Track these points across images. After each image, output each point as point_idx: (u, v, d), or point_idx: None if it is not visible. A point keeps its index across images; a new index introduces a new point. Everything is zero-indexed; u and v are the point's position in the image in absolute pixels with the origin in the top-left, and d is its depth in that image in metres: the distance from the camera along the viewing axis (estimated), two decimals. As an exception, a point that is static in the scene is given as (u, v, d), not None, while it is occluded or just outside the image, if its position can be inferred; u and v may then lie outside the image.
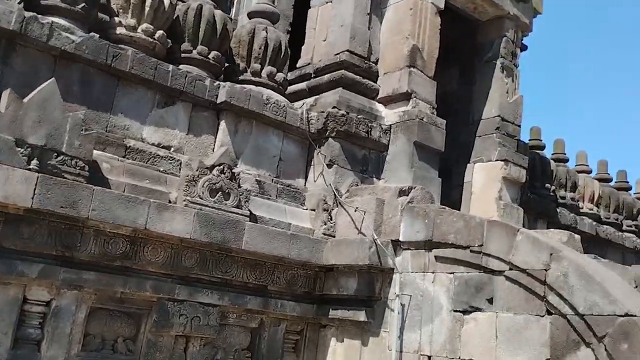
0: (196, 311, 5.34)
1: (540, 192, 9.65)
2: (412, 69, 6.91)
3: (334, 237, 6.07)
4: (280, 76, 6.71)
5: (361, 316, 5.72)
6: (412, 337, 5.39)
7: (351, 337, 5.92)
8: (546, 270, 4.56)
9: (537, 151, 10.14)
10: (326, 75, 7.05)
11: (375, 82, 7.21)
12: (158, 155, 5.60)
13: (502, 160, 7.61)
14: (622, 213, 11.51)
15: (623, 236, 11.24)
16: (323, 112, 6.55)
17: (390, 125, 6.91)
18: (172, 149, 5.84)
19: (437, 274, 5.37)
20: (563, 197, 10.23)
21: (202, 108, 6.09)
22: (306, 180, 6.70)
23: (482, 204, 7.69)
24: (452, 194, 8.09)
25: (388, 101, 7.09)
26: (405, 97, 6.91)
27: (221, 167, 5.42)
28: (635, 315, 4.05)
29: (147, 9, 5.80)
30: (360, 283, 5.78)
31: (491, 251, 4.96)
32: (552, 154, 10.74)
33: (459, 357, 5.03)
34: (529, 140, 10.40)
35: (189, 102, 5.99)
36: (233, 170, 5.54)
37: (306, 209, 6.38)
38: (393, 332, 5.49)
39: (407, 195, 5.82)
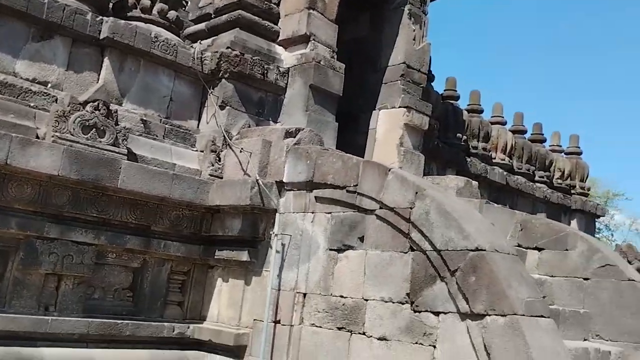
0: (68, 250, 5.23)
1: (451, 142, 9.79)
2: (311, 11, 6.79)
3: (221, 178, 6.01)
4: (172, 14, 6.50)
5: (244, 256, 5.73)
6: (290, 275, 5.43)
7: (236, 277, 5.94)
8: (411, 208, 4.62)
9: (452, 101, 10.24)
10: (224, 16, 6.87)
11: (277, 24, 7.07)
12: (30, 90, 5.37)
13: (404, 107, 7.63)
14: (534, 164, 11.81)
15: (534, 186, 11.55)
16: (217, 52, 6.40)
17: (289, 68, 6.82)
18: (50, 84, 5.61)
19: (317, 214, 5.39)
20: (475, 147, 10.40)
21: (84, 44, 5.84)
22: (199, 122, 6.57)
23: (385, 150, 7.73)
24: (359, 140, 8.11)
25: (288, 44, 6.98)
26: (304, 39, 6.80)
27: (95, 103, 5.25)
28: (484, 250, 4.16)
29: None
30: (245, 224, 5.76)
31: (364, 191, 4.99)
32: (467, 105, 10.86)
33: (331, 294, 5.11)
34: (444, 90, 10.48)
35: (69, 36, 5.73)
36: (110, 108, 5.38)
37: (196, 151, 6.29)
38: (274, 272, 5.53)
39: (295, 137, 5.78)
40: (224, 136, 6.11)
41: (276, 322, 5.42)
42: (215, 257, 5.98)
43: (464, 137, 10.06)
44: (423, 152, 8.63)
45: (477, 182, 7.62)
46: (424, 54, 8.04)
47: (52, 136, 5.01)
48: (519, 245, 6.63)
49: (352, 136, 8.20)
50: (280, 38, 7.02)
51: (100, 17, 5.87)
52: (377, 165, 4.96)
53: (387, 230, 4.80)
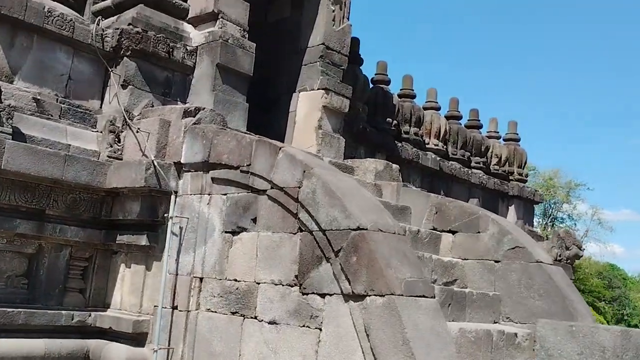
0: (-53, 234, 4.96)
1: (380, 126, 9.69)
2: (220, -13, 6.56)
3: (121, 160, 5.77)
4: (71, -13, 6.21)
5: (143, 240, 5.51)
6: (187, 259, 5.25)
7: (137, 263, 5.72)
8: (299, 187, 4.48)
9: (382, 85, 10.14)
10: (130, -8, 6.59)
11: (186, 1, 6.83)
12: None
13: (322, 89, 7.48)
14: (470, 150, 11.81)
15: (470, 172, 11.56)
16: (118, 29, 6.13)
17: (197, 46, 6.59)
18: None
19: (213, 195, 5.21)
20: (407, 132, 10.33)
21: (-30, 18, 5.54)
22: (102, 102, 6.30)
23: (304, 133, 7.58)
24: (280, 124, 7.94)
25: (197, 22, 6.75)
26: (213, 17, 6.58)
27: (-26, 79, 4.96)
28: (365, 229, 4.04)
29: None
30: (143, 207, 5.54)
31: (256, 170, 4.83)
32: (400, 90, 10.78)
33: (226, 278, 4.94)
34: (375, 74, 10.37)
35: (-48, 10, 5.43)
36: (-8, 84, 5.09)
37: (96, 132, 6.02)
38: (172, 256, 5.33)
39: (194, 117, 5.57)
40: (124, 116, 5.86)
41: (174, 307, 5.23)
42: (117, 242, 5.74)
43: (395, 121, 9.97)
44: (349, 136, 8.53)
45: (397, 166, 7.57)
46: (345, 35, 7.89)
47: None
48: (434, 229, 6.57)
49: (274, 119, 8.04)
50: (189, 16, 6.78)
51: (-11, -10, 5.55)
52: (268, 144, 4.79)
53: (278, 210, 4.65)
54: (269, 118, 8.12)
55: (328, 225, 4.22)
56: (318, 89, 7.54)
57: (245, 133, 5.14)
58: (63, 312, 5.58)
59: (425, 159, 10.42)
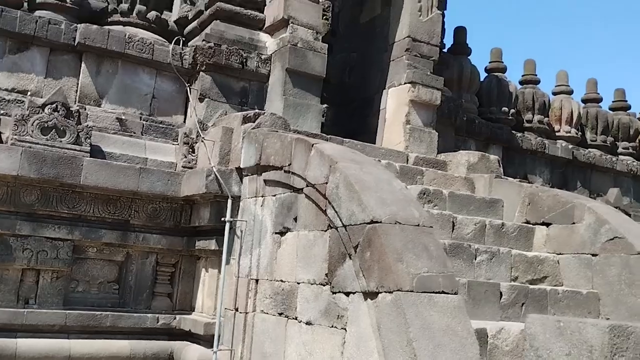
0: (42, 245, 5.53)
1: (494, 117, 9.06)
2: (289, -7, 6.63)
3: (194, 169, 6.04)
4: (152, 14, 6.67)
5: (212, 245, 5.71)
6: (245, 262, 5.32)
7: (213, 267, 5.92)
8: (326, 183, 4.33)
9: (497, 74, 9.48)
10: (208, 9, 6.91)
11: (263, 12, 6.99)
12: (4, 99, 5.78)
13: (409, 83, 7.18)
14: (616, 135, 10.55)
15: (614, 160, 10.33)
16: (193, 46, 6.46)
17: (271, 54, 6.71)
18: (29, 93, 5.99)
19: (266, 197, 5.23)
20: (529, 121, 9.54)
21: (61, 52, 6.18)
22: (185, 116, 6.67)
23: (392, 130, 7.34)
24: (374, 123, 7.79)
25: (272, 30, 6.87)
26: (284, 23, 6.65)
27: (54, 105, 5.50)
28: (379, 222, 3.79)
29: (-9, -43, 5.93)
30: (212, 213, 5.73)
31: (295, 169, 4.76)
32: (522, 76, 9.98)
33: (275, 279, 4.92)
34: (489, 62, 9.73)
35: (45, 46, 6.10)
36: (71, 108, 5.61)
37: (176, 145, 6.38)
38: (235, 259, 5.45)
39: (254, 122, 5.66)
40: (197, 128, 6.13)
41: (235, 309, 5.33)
42: (196, 247, 6.02)
43: (512, 110, 9.25)
44: (452, 129, 8.11)
45: (496, 157, 7.08)
46: (434, 25, 7.52)
47: (12, 139, 5.33)
48: (526, 222, 5.98)
49: (369, 119, 7.91)
50: (266, 25, 6.93)
51: (75, 25, 6.17)
52: (304, 142, 4.70)
53: (312, 208, 4.53)
54: (364, 118, 8.00)
55: (348, 220, 4.02)
56: (405, 83, 7.27)
57: (294, 133, 5.12)
58: (148, 315, 5.95)
59: (553, 149, 9.52)
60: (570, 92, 10.28)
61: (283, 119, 5.78)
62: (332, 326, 4.12)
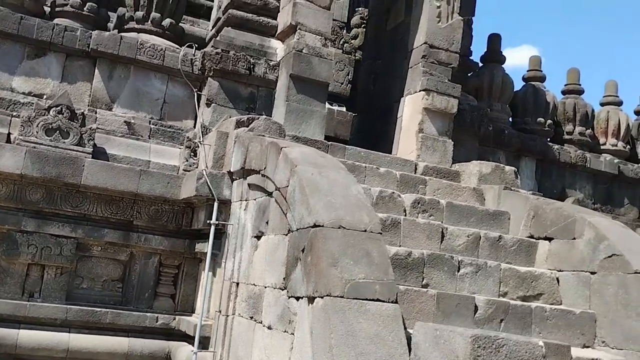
0: (46, 242, 5.78)
1: (528, 127, 8.68)
2: (297, 0, 6.65)
3: (194, 173, 6.16)
4: (167, 22, 6.87)
5: (206, 248, 5.78)
6: (229, 265, 5.36)
7: (211, 270, 5.99)
8: (287, 187, 4.30)
9: (534, 82, 9.09)
10: (222, 17, 7.05)
11: (276, 18, 7.05)
12: (19, 102, 6.12)
13: (423, 90, 7.02)
14: (672, 149, 9.85)
15: (669, 176, 9.62)
16: (202, 52, 6.61)
17: (280, 60, 6.75)
18: (45, 96, 6.32)
19: (249, 201, 5.25)
20: (570, 132, 9.07)
21: (76, 57, 6.48)
22: (195, 121, 6.81)
23: (407, 138, 7.18)
24: (391, 130, 7.66)
25: (283, 36, 6.91)
26: (293, 30, 6.68)
27: (59, 107, 5.78)
28: (321, 226, 3.72)
29: (13, -31, 6.32)
30: (207, 216, 5.80)
31: (267, 172, 4.76)
32: (564, 85, 9.51)
33: (250, 282, 4.93)
34: (527, 71, 9.35)
35: (62, 52, 6.42)
36: (75, 111, 5.87)
37: (182, 148, 6.52)
38: (210, 262, 5.50)
39: (247, 127, 5.70)
40: (200, 132, 6.25)
41: (218, 311, 5.37)
42: (196, 250, 6.12)
43: (549, 121, 8.83)
44: (474, 139, 7.86)
45: (512, 168, 6.78)
46: (454, 31, 7.32)
47: (17, 139, 5.64)
48: (530, 236, 5.69)
49: (388, 127, 7.79)
50: (277, 32, 6.98)
51: (90, 32, 6.46)
52: (275, 146, 4.69)
53: (278, 212, 4.51)
54: (385, 126, 7.89)
55: (299, 224, 3.98)
56: (419, 90, 7.11)
57: (272, 137, 5.11)
58: (148, 314, 6.09)
59: (596, 162, 9.01)
60: (620, 103, 9.69)
61: (278, 124, 5.79)
62: (285, 331, 4.07)
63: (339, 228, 3.72)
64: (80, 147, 5.83)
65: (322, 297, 3.48)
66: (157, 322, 6.10)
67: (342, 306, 3.37)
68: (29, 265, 5.80)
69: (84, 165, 5.73)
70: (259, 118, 5.77)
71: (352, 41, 10.62)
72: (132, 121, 6.44)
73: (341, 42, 10.66)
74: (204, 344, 5.74)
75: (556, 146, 8.77)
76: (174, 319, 6.16)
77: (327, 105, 8.83)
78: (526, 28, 35.49)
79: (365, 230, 3.79)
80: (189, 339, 6.05)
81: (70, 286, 5.96)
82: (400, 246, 4.94)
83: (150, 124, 6.55)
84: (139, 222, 6.12)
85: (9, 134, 5.80)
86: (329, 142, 6.31)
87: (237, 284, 5.18)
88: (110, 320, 5.94)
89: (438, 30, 7.26)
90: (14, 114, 6.02)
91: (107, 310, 5.96)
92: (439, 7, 7.28)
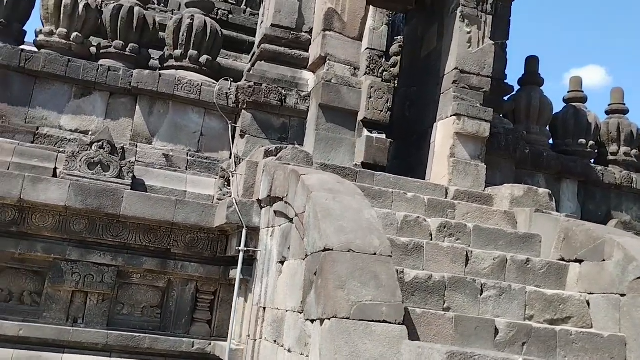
0: (89, 270, 6.11)
1: (570, 149, 8.54)
2: (327, 32, 6.85)
3: (228, 201, 6.38)
4: (204, 58, 7.21)
5: (239, 274, 5.96)
6: (257, 290, 5.51)
7: (243, 296, 6.17)
8: (304, 212, 4.44)
9: (575, 104, 8.95)
10: (256, 51, 7.34)
11: (308, 51, 7.29)
12: (66, 138, 6.54)
13: (454, 115, 7.05)
14: None
15: None
16: (236, 86, 6.89)
17: (310, 91, 6.96)
18: (90, 133, 6.73)
19: (275, 228, 5.41)
20: (614, 153, 8.85)
21: (119, 95, 6.89)
22: (231, 152, 7.07)
23: (439, 163, 7.21)
24: (426, 155, 7.71)
25: (314, 68, 7.13)
26: (323, 61, 6.88)
27: (100, 142, 6.15)
28: (331, 249, 3.83)
29: (61, 15, 6.81)
30: (238, 243, 6.00)
31: (289, 200, 4.91)
32: (608, 105, 9.31)
33: (274, 307, 5.06)
34: (568, 92, 9.22)
35: (106, 91, 6.84)
36: (115, 145, 6.22)
37: (217, 179, 6.77)
38: (239, 288, 5.67)
39: (275, 156, 5.90)
40: (234, 162, 6.50)
41: (248, 336, 5.51)
42: (230, 277, 6.31)
43: (591, 142, 8.66)
44: (510, 162, 7.80)
45: (547, 190, 6.71)
46: (485, 55, 7.35)
47: (62, 173, 6.02)
48: (561, 259, 5.60)
49: (422, 154, 7.84)
50: (309, 64, 7.20)
51: (132, 71, 6.86)
52: (295, 174, 4.85)
53: (297, 237, 4.64)
54: (419, 151, 7.94)
55: (312, 248, 4.10)
56: (450, 115, 7.15)
57: (298, 165, 5.27)
58: (184, 339, 6.30)
59: (642, 183, 8.75)
60: (667, 121, 9.42)
61: (305, 152, 5.96)
62: (302, 353, 4.17)
63: (349, 252, 3.82)
64: (120, 179, 6.16)
65: (329, 319, 3.57)
66: (193, 347, 6.30)
67: (347, 327, 3.45)
68: (73, 292, 6.14)
69: (123, 197, 6.05)
70: (286, 147, 5.95)
71: (391, 69, 10.73)
72: (171, 154, 6.76)
73: (380, 71, 10.78)
74: (237, 368, 5.90)
75: (599, 167, 8.59)
76: (210, 344, 6.34)
77: (367, 133, 9.04)
78: (593, 48, 34.68)
79: (375, 254, 3.87)
80: (224, 364, 6.22)
81: (111, 312, 6.26)
82: (423, 270, 4.97)
83: (187, 155, 6.86)
84: (176, 250, 6.37)
85: (55, 168, 6.20)
86: (358, 169, 6.42)
87: (265, 308, 5.31)
88: (149, 345, 6.18)
89: (469, 55, 7.31)
90: (61, 149, 6.43)
91: (146, 335, 6.20)
92: (469, 32, 7.34)
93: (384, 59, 11.08)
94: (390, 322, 3.55)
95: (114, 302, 6.30)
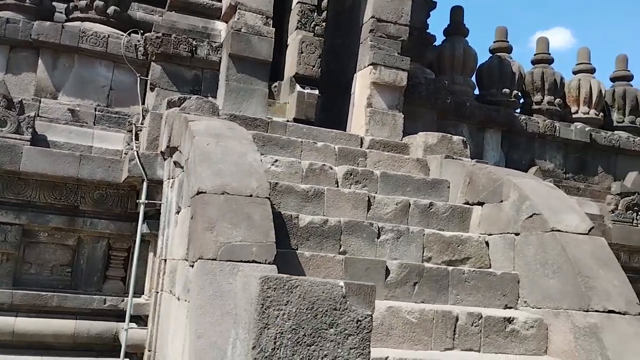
0: (-10, 229, 5.93)
1: (494, 99, 8.57)
2: (237, -21, 6.66)
3: (136, 156, 6.22)
4: (112, 9, 6.94)
5: (145, 229, 5.84)
6: (160, 243, 5.43)
7: (153, 250, 6.07)
8: (188, 158, 4.33)
9: (500, 54, 8.95)
10: (167, 2, 7.10)
11: (221, 1, 7.08)
12: (-38, 94, 6.25)
13: (370, 65, 6.97)
14: (649, 115, 9.60)
15: (646, 142, 9.40)
16: (145, 37, 6.67)
17: (223, 42, 6.78)
18: (-10, 88, 6.45)
19: (175, 179, 5.29)
20: (538, 102, 8.91)
21: (20, 49, 6.59)
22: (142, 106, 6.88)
23: (358, 113, 7.15)
24: (347, 108, 7.63)
25: (226, 18, 6.92)
26: (234, 10, 6.69)
27: (-5, 97, 5.91)
28: (204, 192, 3.75)
29: (-46, -35, 6.46)
30: (146, 197, 5.87)
31: (182, 148, 4.81)
32: (534, 55, 9.34)
33: (171, 258, 4.98)
34: (493, 42, 9.21)
35: (5, 44, 6.54)
36: (13, 100, 5.98)
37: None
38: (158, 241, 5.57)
39: (179, 107, 5.74)
40: (141, 116, 6.32)
41: (152, 289, 5.44)
42: (142, 232, 6.18)
43: (515, 91, 8.69)
44: (432, 111, 7.77)
45: (460, 137, 6.70)
46: (402, 3, 7.24)
47: (-45, 130, 5.78)
48: (466, 202, 5.63)
49: (344, 105, 7.76)
50: (222, 14, 7.01)
51: (32, 22, 6.57)
52: (185, 121, 4.72)
53: (187, 184, 4.54)
54: (343, 104, 7.85)
55: (191, 193, 4.01)
56: (368, 65, 7.06)
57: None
58: (95, 297, 6.17)
59: (566, 132, 8.84)
60: (592, 71, 9.46)
61: (211, 102, 5.82)
62: (185, 300, 4.10)
63: (222, 194, 3.74)
64: (18, 134, 5.93)
65: (196, 261, 3.50)
66: (105, 304, 6.18)
67: (212, 268, 3.39)
68: (-26, 252, 5.94)
69: (22, 152, 5.83)
70: (190, 98, 5.80)
71: (323, 24, 10.56)
72: (77, 109, 6.54)
73: (312, 25, 10.58)
74: (145, 322, 5.84)
75: (523, 116, 8.64)
76: (122, 300, 6.23)
77: (299, 89, 8.88)
78: (559, 9, 34.83)
79: (251, 195, 3.80)
80: (139, 320, 6.14)
81: (17, 272, 6.07)
82: (324, 216, 4.93)
83: (96, 110, 6.64)
84: (85, 206, 6.20)
85: (-52, 125, 5.93)
86: (269, 119, 6.32)
87: (165, 260, 5.23)
88: (57, 303, 6.03)
89: (386, 3, 7.20)
90: (-44, 105, 6.15)
91: (54, 293, 6.05)
92: (385, -20, 7.21)
93: (315, 13, 10.89)
94: (259, 262, 3.50)
95: (20, 262, 6.11)
